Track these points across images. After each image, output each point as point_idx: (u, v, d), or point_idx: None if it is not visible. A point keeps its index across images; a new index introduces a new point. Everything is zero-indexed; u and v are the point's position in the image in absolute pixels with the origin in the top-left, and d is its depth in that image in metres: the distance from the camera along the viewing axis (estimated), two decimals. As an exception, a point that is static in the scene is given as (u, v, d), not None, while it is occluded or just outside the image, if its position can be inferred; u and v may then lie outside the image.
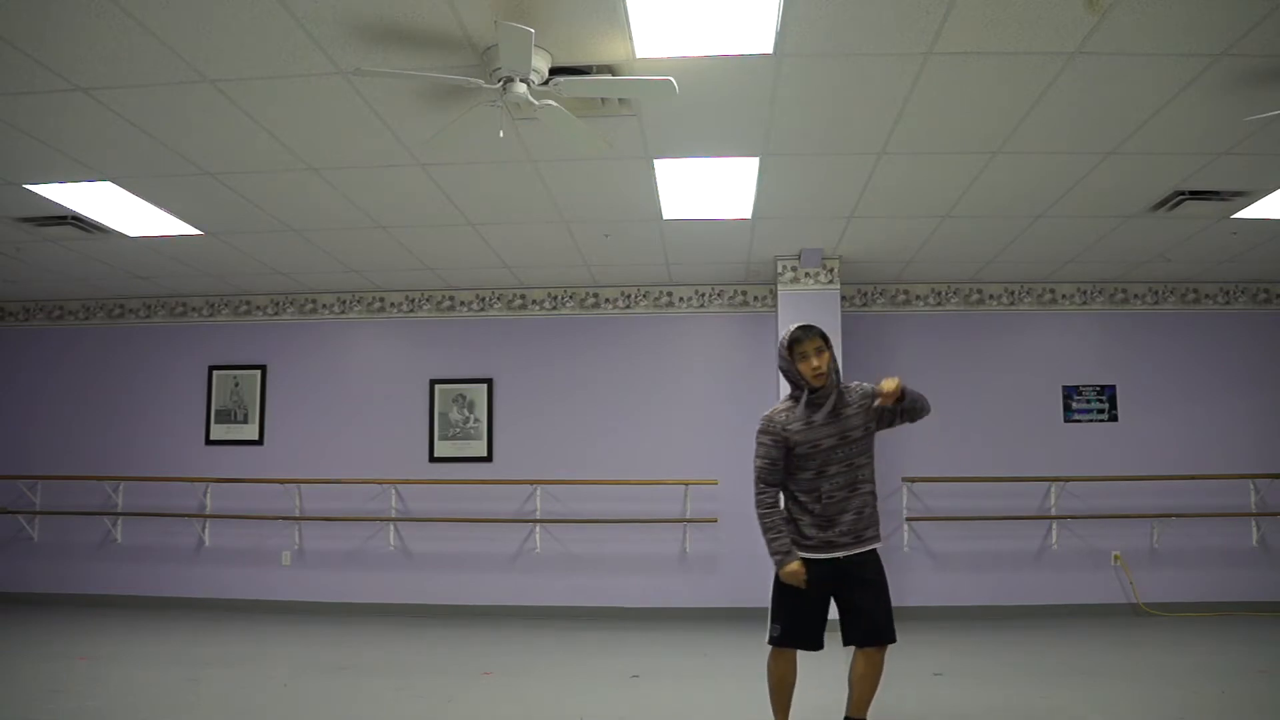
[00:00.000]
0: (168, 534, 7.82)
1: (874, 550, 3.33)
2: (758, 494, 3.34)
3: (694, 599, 7.29)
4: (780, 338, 3.37)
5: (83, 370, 8.18)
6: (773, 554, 3.29)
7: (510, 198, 5.61)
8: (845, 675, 3.42)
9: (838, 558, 3.28)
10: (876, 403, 3.30)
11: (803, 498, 3.33)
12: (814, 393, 3.33)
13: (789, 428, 3.32)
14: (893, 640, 3.27)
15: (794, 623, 3.32)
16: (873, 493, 3.36)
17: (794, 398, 3.39)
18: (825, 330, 3.37)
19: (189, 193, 5.43)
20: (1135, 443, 7.42)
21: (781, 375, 3.44)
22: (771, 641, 3.35)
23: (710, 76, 3.97)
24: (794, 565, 3.24)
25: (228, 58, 3.77)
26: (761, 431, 3.36)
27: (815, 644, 3.33)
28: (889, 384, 3.19)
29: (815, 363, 3.29)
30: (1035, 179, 5.25)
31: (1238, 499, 7.28)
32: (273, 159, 4.90)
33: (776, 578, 3.34)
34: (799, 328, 3.33)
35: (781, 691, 3.43)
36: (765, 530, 3.31)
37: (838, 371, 3.39)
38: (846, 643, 3.31)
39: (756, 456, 3.36)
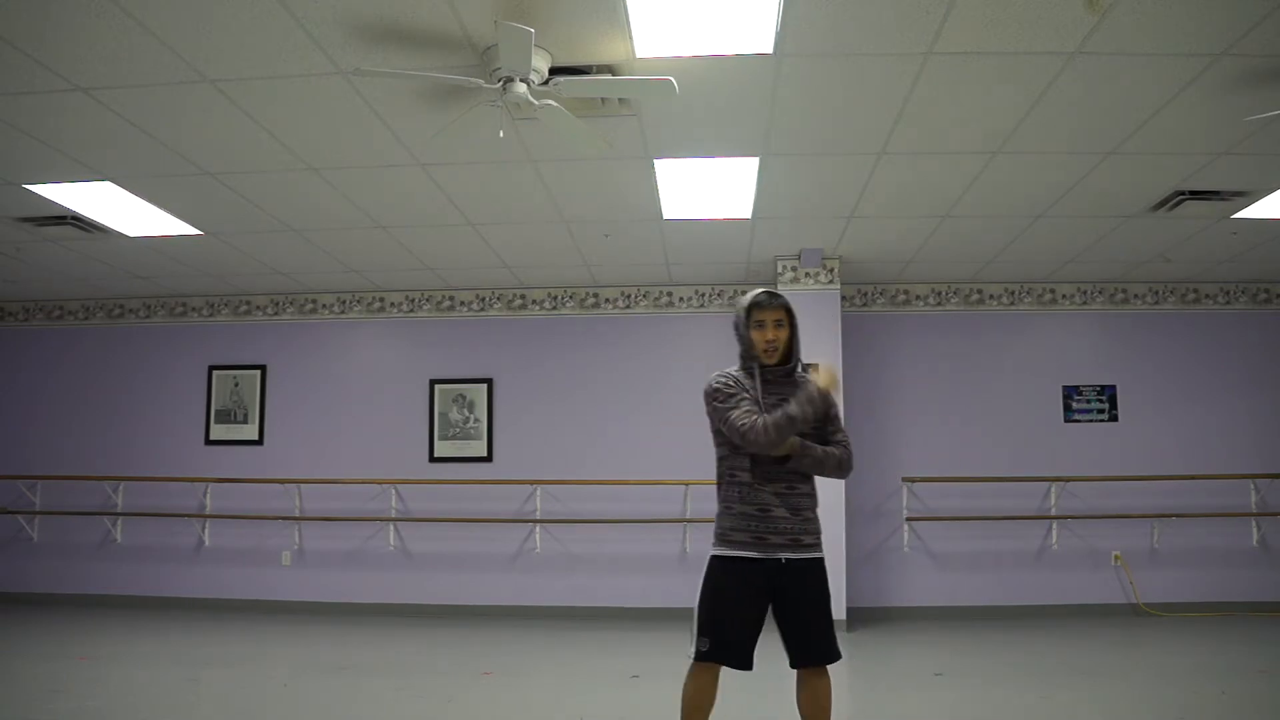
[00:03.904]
0: (168, 534, 7.82)
1: (817, 560, 2.93)
2: (760, 424, 2.82)
3: (694, 599, 7.25)
4: (741, 301, 3.02)
5: (83, 370, 8.17)
6: (802, 409, 2.85)
7: (510, 198, 5.61)
8: (786, 696, 3.05)
9: (779, 560, 2.87)
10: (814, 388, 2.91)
11: (740, 474, 2.93)
12: (765, 369, 2.99)
13: (740, 385, 2.97)
14: (835, 659, 2.90)
15: (725, 636, 2.87)
16: (812, 495, 2.97)
17: (746, 370, 3.02)
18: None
19: (189, 193, 5.43)
20: (1135, 443, 7.42)
21: (737, 342, 3.06)
22: (696, 656, 2.89)
23: (710, 76, 3.97)
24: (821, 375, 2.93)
25: (228, 58, 3.77)
26: (720, 389, 2.96)
27: (745, 662, 2.88)
28: (826, 376, 2.92)
29: (771, 335, 2.95)
30: (1035, 179, 5.25)
31: (1238, 499, 7.28)
32: (273, 159, 4.90)
33: (706, 579, 2.95)
34: (763, 292, 2.99)
35: (695, 716, 2.92)
36: (784, 419, 2.82)
37: (798, 356, 3.03)
38: (792, 664, 2.92)
39: (730, 407, 2.89)
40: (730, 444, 2.97)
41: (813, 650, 2.89)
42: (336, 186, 5.36)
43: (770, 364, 2.99)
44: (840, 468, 2.99)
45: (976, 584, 7.27)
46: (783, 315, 2.97)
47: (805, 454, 2.90)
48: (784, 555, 2.88)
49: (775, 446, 2.85)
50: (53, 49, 3.65)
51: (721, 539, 2.95)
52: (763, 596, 2.89)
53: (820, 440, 2.98)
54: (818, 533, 2.97)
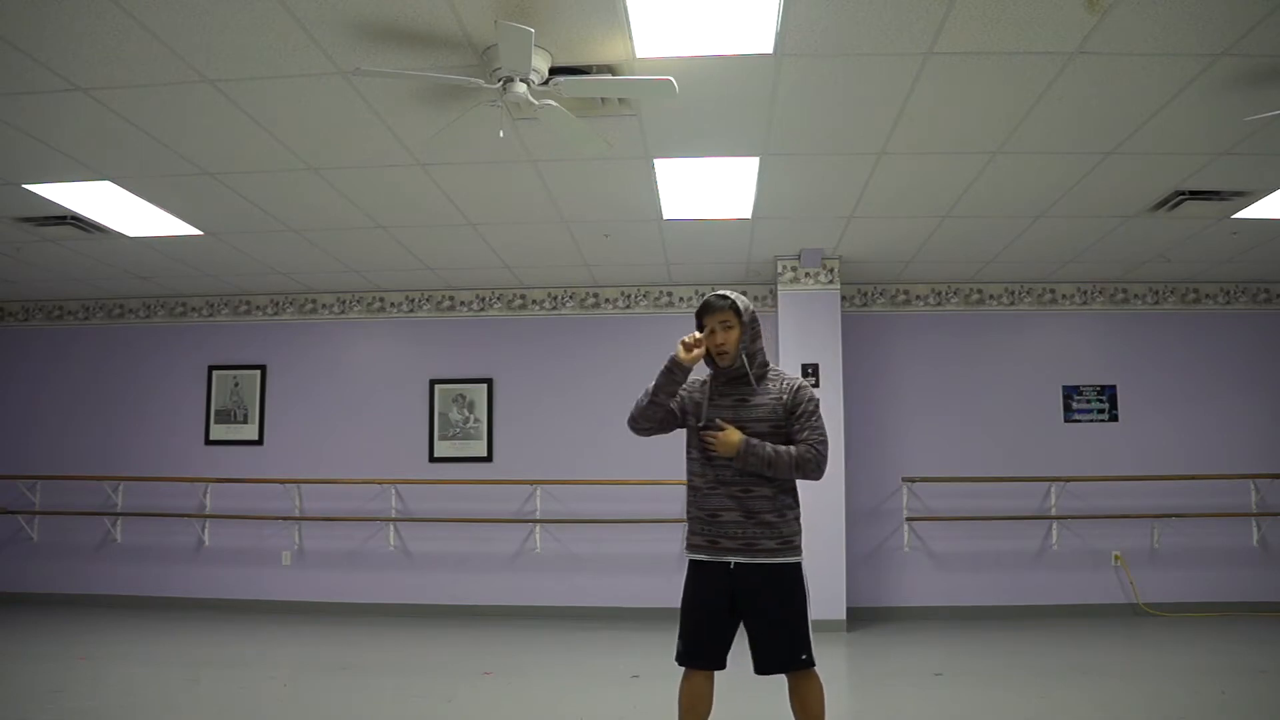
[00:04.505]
0: (168, 534, 7.82)
1: (782, 565, 2.87)
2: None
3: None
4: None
5: (83, 370, 8.17)
6: (657, 378, 2.94)
7: (510, 198, 5.60)
8: (784, 696, 3.00)
9: (728, 564, 2.87)
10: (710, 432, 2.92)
11: (695, 480, 2.98)
12: (718, 372, 2.99)
13: (692, 386, 3.04)
14: (802, 666, 2.86)
15: (692, 637, 2.91)
16: (772, 498, 2.89)
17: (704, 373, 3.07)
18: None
19: (189, 193, 5.43)
20: (1135, 443, 7.41)
21: None
22: (676, 658, 2.96)
23: (710, 76, 3.97)
24: (682, 345, 2.91)
25: (228, 58, 3.77)
26: None
27: (713, 662, 2.90)
28: (725, 439, 2.86)
29: (720, 339, 2.93)
30: (1035, 179, 5.25)
31: (1238, 499, 7.28)
32: (273, 159, 4.90)
33: (684, 588, 2.98)
34: (714, 294, 2.97)
35: (689, 717, 2.92)
36: (639, 401, 2.98)
37: (754, 355, 2.97)
38: (755, 670, 2.90)
39: None
40: (687, 448, 3.04)
41: (771, 657, 2.87)
42: (336, 186, 5.36)
43: (723, 366, 2.97)
44: (799, 468, 2.88)
45: (976, 584, 7.27)
46: (730, 317, 2.93)
47: (750, 453, 2.84)
48: (733, 560, 2.87)
49: (635, 424, 3.01)
50: (53, 49, 3.65)
51: (686, 541, 3.03)
52: (722, 599, 2.89)
53: (784, 439, 2.92)
54: (782, 537, 2.88)
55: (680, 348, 2.92)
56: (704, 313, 2.97)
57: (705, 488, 2.93)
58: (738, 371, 2.96)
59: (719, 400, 2.96)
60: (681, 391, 3.02)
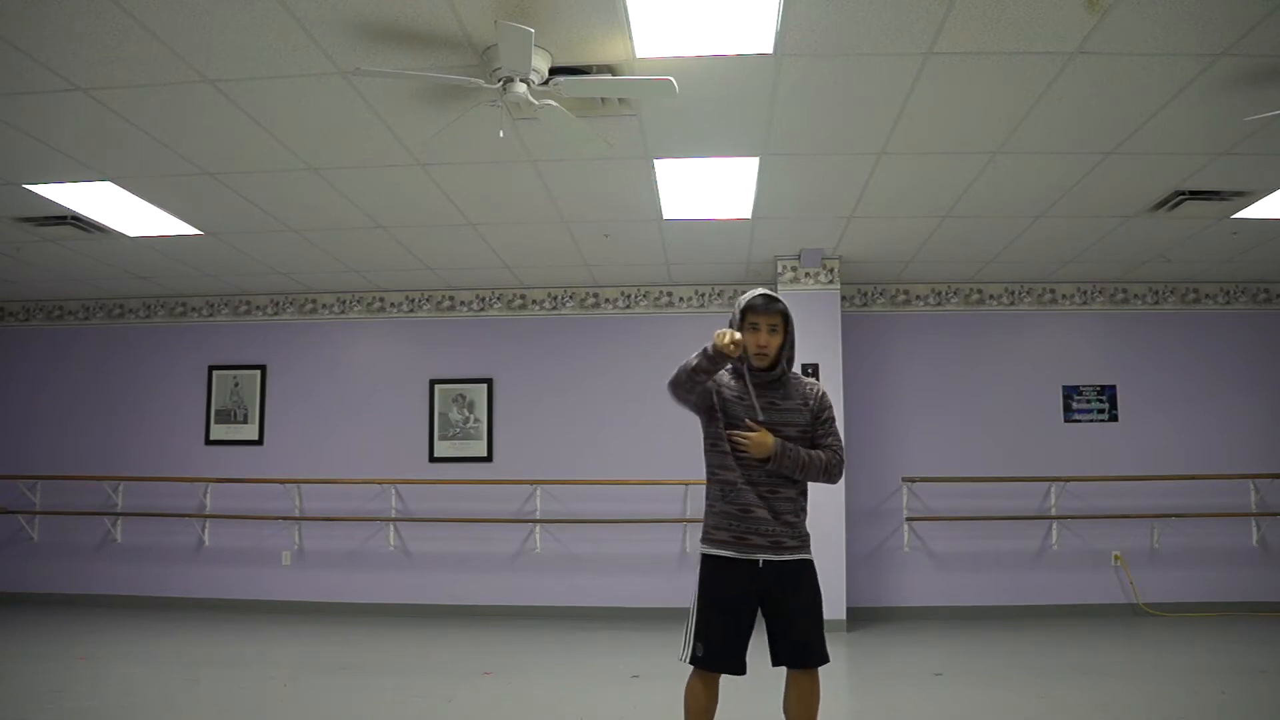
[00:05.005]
0: (168, 534, 7.82)
1: (801, 561, 2.90)
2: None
3: (691, 600, 7.26)
4: (740, 299, 2.97)
5: (83, 370, 8.17)
6: (699, 357, 2.86)
7: (510, 198, 5.61)
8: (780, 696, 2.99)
9: (756, 562, 2.86)
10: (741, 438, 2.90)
11: (721, 474, 2.95)
12: (752, 371, 2.96)
13: (722, 381, 2.99)
14: (822, 661, 2.87)
15: (717, 641, 2.87)
16: (795, 500, 2.94)
17: (733, 371, 3.02)
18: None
19: (189, 193, 5.43)
20: (1135, 443, 7.41)
21: None
22: (691, 661, 2.89)
23: (710, 76, 3.97)
24: (724, 334, 2.78)
25: (228, 58, 3.77)
26: None
27: (738, 667, 2.88)
28: (759, 441, 2.86)
29: (764, 340, 2.90)
30: (1035, 179, 5.25)
31: (1238, 499, 7.28)
32: (273, 159, 4.90)
33: (699, 582, 2.96)
34: (762, 295, 2.93)
35: (699, 719, 2.91)
36: (682, 370, 2.91)
37: (789, 362, 2.98)
38: (774, 663, 2.90)
39: None
40: (713, 441, 3.00)
41: (796, 652, 2.88)
42: (336, 186, 5.36)
43: (759, 367, 2.96)
44: (826, 472, 2.96)
45: (976, 584, 7.27)
46: (778, 321, 2.92)
47: (785, 455, 2.88)
48: (762, 557, 2.87)
49: (677, 390, 2.95)
50: (53, 49, 3.65)
51: (705, 536, 2.98)
52: (749, 598, 2.89)
53: (809, 444, 2.97)
54: (802, 537, 2.94)
55: (717, 340, 2.81)
56: (752, 311, 2.93)
57: (739, 483, 2.92)
58: (773, 376, 2.96)
59: (746, 393, 2.96)
60: (713, 383, 3.00)
